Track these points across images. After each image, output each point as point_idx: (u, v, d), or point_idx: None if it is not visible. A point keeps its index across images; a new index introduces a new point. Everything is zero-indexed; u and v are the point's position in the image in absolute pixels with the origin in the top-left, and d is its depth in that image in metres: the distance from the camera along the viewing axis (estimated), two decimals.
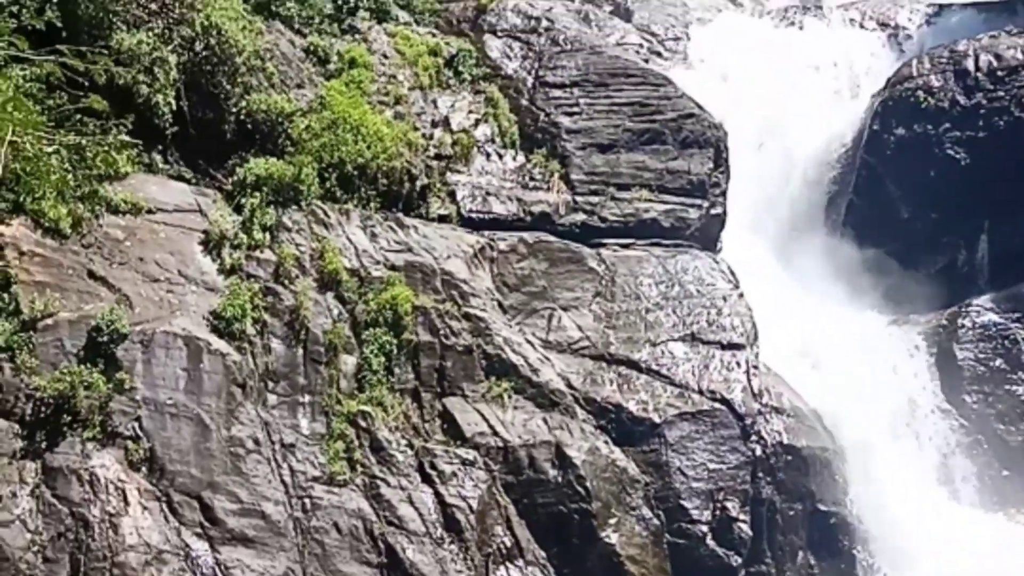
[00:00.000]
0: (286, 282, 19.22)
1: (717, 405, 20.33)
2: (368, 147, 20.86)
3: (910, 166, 24.67)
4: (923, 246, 24.55)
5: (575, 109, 23.38)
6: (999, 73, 24.62)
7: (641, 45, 28.04)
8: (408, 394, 19.47)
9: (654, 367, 20.80)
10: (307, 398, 18.72)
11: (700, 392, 20.53)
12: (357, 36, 23.09)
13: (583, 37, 24.66)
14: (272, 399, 18.43)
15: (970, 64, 24.92)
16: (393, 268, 20.01)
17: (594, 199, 22.69)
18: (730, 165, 24.09)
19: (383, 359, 19.34)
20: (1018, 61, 24.62)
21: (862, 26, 31.06)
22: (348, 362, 19.24)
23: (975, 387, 23.19)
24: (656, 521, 19.47)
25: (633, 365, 20.86)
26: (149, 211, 19.05)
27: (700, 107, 23.99)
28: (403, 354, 19.52)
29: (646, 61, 26.20)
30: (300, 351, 18.89)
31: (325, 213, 20.25)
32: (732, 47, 28.99)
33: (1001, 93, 24.50)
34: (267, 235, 19.53)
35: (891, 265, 24.55)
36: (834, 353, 22.98)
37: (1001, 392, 23.11)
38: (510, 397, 19.77)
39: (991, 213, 24.03)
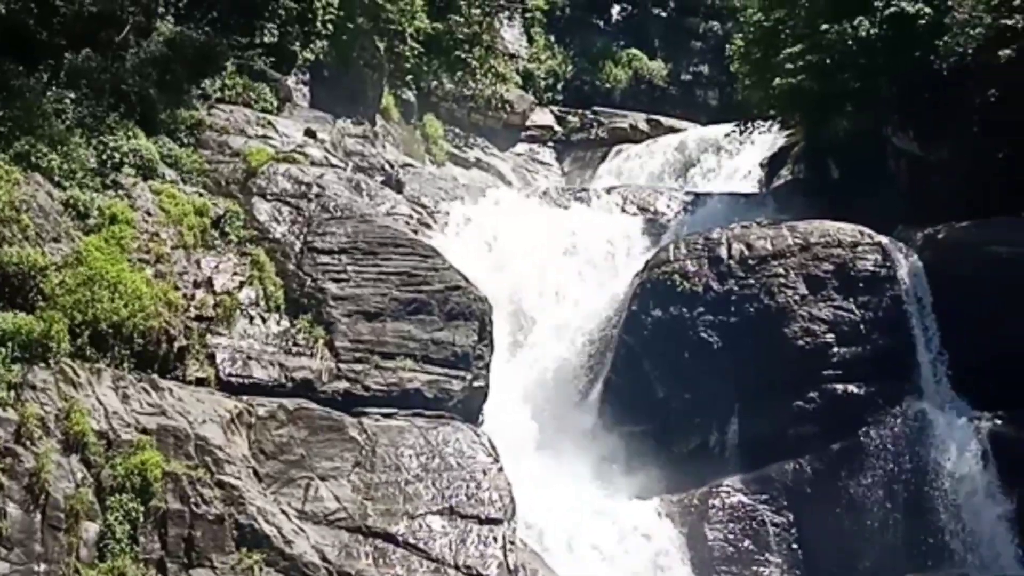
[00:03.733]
0: (27, 443, 18.19)
1: None
2: (125, 305, 20.20)
3: (666, 347, 25.29)
4: (677, 426, 25.04)
5: (343, 276, 23.32)
6: (750, 262, 25.64)
7: (411, 216, 28.36)
8: (153, 565, 18.55)
9: (411, 541, 20.45)
10: (43, 567, 17.61)
11: (456, 567, 20.24)
12: (120, 192, 22.55)
13: (353, 205, 24.76)
14: (4, 567, 17.29)
15: (723, 252, 25.89)
16: (145, 431, 19.25)
17: (358, 367, 22.51)
18: (494, 338, 24.33)
19: (128, 527, 18.44)
20: (767, 251, 25.69)
21: (624, 210, 32.29)
22: (90, 529, 18.25)
23: (724, 567, 23.51)
24: None
25: (390, 538, 20.48)
26: None
27: (467, 280, 24.25)
28: (150, 522, 18.66)
29: (415, 232, 26.47)
30: (38, 516, 17.81)
31: (75, 372, 19.39)
32: (499, 224, 29.65)
33: (752, 281, 25.48)
34: (11, 393, 18.56)
35: (647, 444, 24.91)
36: (580, 530, 23.10)
37: (748, 573, 23.50)
38: (261, 570, 19.04)
39: (742, 396, 24.73)
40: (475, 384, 23.46)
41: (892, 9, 28.49)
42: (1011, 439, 23.80)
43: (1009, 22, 25.67)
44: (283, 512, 19.96)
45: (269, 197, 24.29)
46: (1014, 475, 23.47)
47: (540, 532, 22.58)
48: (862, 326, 25.00)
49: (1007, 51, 25.43)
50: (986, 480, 23.75)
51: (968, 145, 27.17)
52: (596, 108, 47.70)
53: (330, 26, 31.16)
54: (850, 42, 28.88)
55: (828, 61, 29.37)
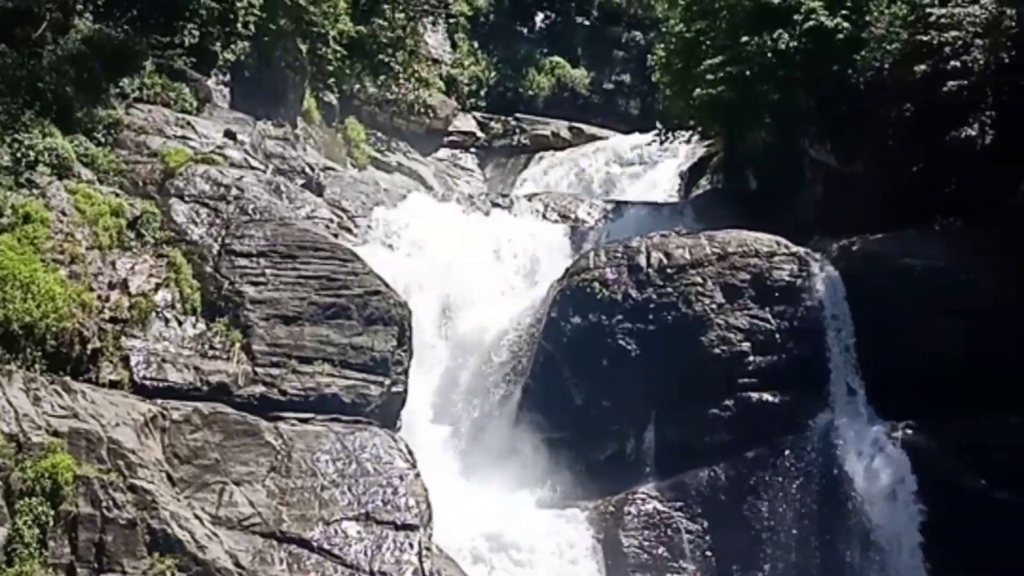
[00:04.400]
0: None
1: None
2: (38, 306, 19.91)
3: (585, 354, 25.37)
4: (595, 433, 25.11)
5: (261, 279, 23.20)
6: (668, 270, 25.80)
7: (331, 220, 28.27)
8: (63, 569, 18.31)
9: (326, 546, 20.37)
10: None
11: (371, 573, 20.19)
12: (35, 191, 22.25)
13: (273, 208, 24.63)
14: None
15: (642, 260, 26.03)
16: (56, 434, 18.98)
17: (275, 371, 22.40)
18: (413, 344, 24.30)
19: (37, 531, 18.18)
20: (686, 260, 25.87)
21: (545, 217, 32.44)
22: None
23: (639, 574, 23.64)
24: None
25: (305, 544, 20.38)
26: None
27: (387, 285, 24.22)
28: (60, 526, 18.41)
29: (335, 236, 26.38)
30: None
31: None
32: (420, 229, 29.62)
33: (670, 289, 25.64)
34: None
35: (564, 451, 24.98)
36: (495, 536, 23.13)
37: None
38: (173, 575, 18.88)
39: (658, 404, 24.87)
40: (393, 390, 23.43)
41: (811, 23, 28.85)
42: (921, 448, 24.15)
43: (924, 38, 26.06)
44: (196, 517, 19.77)
45: (187, 199, 24.08)
46: (924, 484, 23.81)
47: (456, 538, 22.52)
48: (777, 335, 25.25)
49: (922, 67, 25.81)
50: (896, 488, 24.03)
51: (883, 158, 27.55)
52: (519, 115, 47.87)
53: (252, 27, 31.01)
54: (769, 54, 29.21)
55: (748, 73, 29.67)
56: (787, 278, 25.68)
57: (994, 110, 25.19)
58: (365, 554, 20.46)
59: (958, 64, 25.26)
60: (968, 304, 24.71)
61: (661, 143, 38.11)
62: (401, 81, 42.21)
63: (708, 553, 23.91)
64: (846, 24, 28.66)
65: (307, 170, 29.67)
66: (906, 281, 25.20)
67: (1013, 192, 25.44)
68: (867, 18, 28.18)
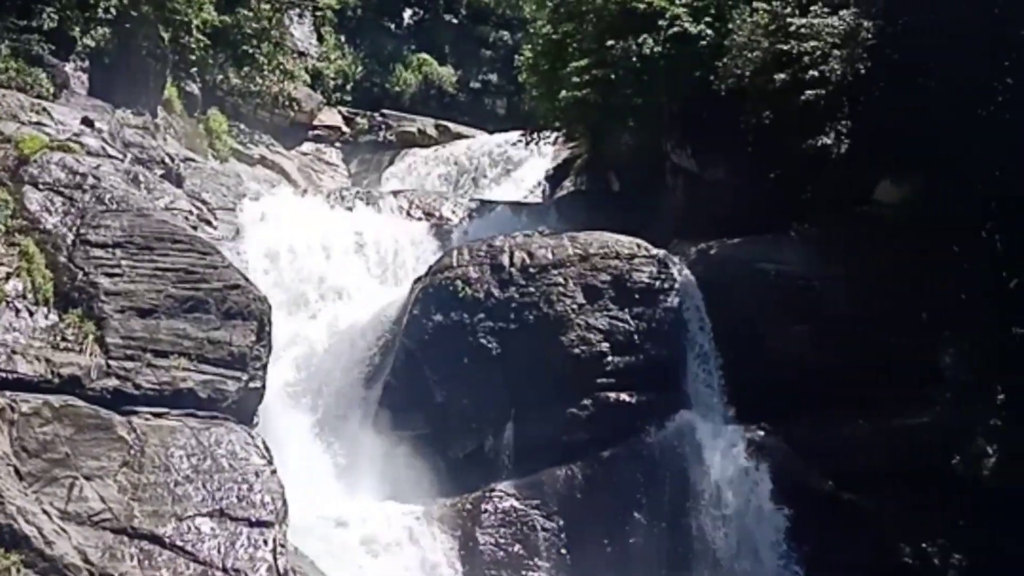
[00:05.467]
0: None
1: None
2: None
3: (446, 352, 25.38)
4: (454, 431, 25.14)
5: (116, 271, 22.66)
6: (531, 270, 25.94)
7: (191, 212, 27.78)
8: None
9: (178, 543, 20.01)
10: None
11: (224, 570, 19.89)
12: None
13: (131, 198, 24.10)
14: None
15: (505, 259, 26.13)
16: None
17: (129, 365, 21.91)
18: (272, 339, 24.04)
19: None
20: (548, 260, 26.04)
21: (409, 214, 32.40)
22: None
23: (494, 571, 23.74)
24: None
25: (157, 540, 19.99)
26: None
27: (247, 279, 23.89)
28: None
29: (195, 228, 25.91)
30: None
31: None
32: (283, 223, 29.33)
33: (532, 289, 25.78)
34: None
35: (424, 448, 24.97)
36: (352, 533, 23.04)
37: None
38: (19, 571, 18.37)
39: (518, 402, 25.00)
40: (251, 385, 23.11)
41: (675, 29, 29.26)
42: (774, 449, 24.70)
43: (785, 47, 26.58)
44: (45, 512, 19.27)
45: (41, 186, 23.43)
46: (777, 484, 24.35)
47: (311, 536, 22.36)
48: (636, 336, 25.56)
49: (782, 75, 26.32)
50: (749, 489, 24.52)
51: (742, 165, 28.07)
52: (385, 111, 47.71)
53: (113, 12, 30.37)
54: (634, 59, 29.55)
55: (612, 76, 29.98)
56: (647, 280, 26.00)
57: (850, 120, 25.84)
58: (218, 551, 20.16)
59: (816, 74, 25.83)
60: (820, 309, 25.39)
61: (527, 143, 38.29)
62: (266, 73, 41.71)
63: (563, 551, 24.10)
64: (709, 31, 29.13)
65: (167, 160, 29.13)
66: (761, 285, 25.76)
67: (866, 201, 26.19)
68: (730, 26, 28.66)
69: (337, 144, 46.04)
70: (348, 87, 48.31)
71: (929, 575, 23.46)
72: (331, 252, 29.16)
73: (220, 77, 41.10)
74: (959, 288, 24.95)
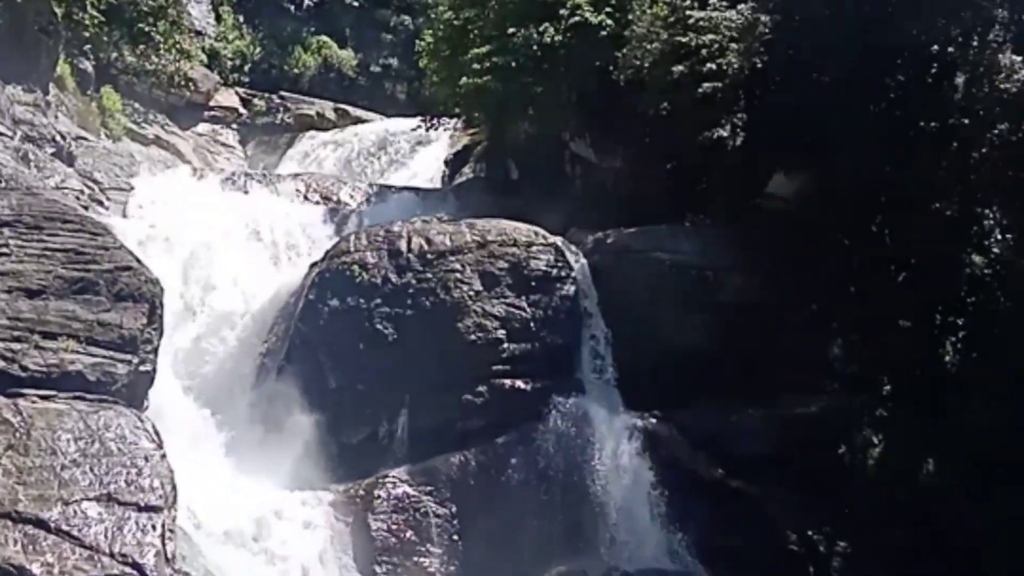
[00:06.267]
0: None
1: (128, 570, 19.36)
2: None
3: (341, 337, 25.24)
4: (349, 417, 24.99)
5: (4, 250, 22.09)
6: (429, 256, 25.91)
7: (82, 191, 27.34)
8: None
9: (64, 528, 19.60)
10: None
11: (111, 555, 19.54)
12: None
13: (20, 176, 23.54)
14: None
15: (403, 245, 26.06)
16: None
17: (16, 346, 21.40)
18: (164, 322, 23.70)
19: None
20: (446, 247, 26.03)
21: (307, 198, 32.15)
22: None
23: (386, 558, 23.66)
24: None
25: (42, 525, 19.56)
26: None
27: (138, 260, 23.49)
28: None
29: (86, 208, 25.49)
30: None
31: None
32: (176, 204, 28.93)
33: (429, 275, 25.75)
34: None
35: (318, 434, 24.80)
36: (243, 519, 22.82)
37: (410, 564, 23.69)
38: None
39: (413, 388, 24.94)
40: (141, 368, 22.75)
41: (576, 19, 29.43)
42: (665, 436, 24.98)
43: (683, 39, 26.85)
44: None
45: None
46: (667, 471, 24.62)
47: (200, 521, 22.12)
48: (532, 324, 25.67)
49: (680, 68, 26.59)
50: (641, 475, 24.75)
51: (640, 155, 28.36)
52: (283, 93, 47.29)
53: None
54: (535, 47, 29.67)
55: (513, 64, 30.07)
56: (544, 268, 26.12)
57: (745, 113, 26.19)
58: (105, 536, 19.79)
59: (713, 67, 26.13)
60: (712, 298, 25.76)
61: (427, 129, 38.25)
62: (162, 52, 41.03)
63: (455, 537, 24.11)
64: (610, 22, 29.34)
65: (58, 139, 28.59)
66: (656, 274, 26.03)
67: (760, 194, 26.57)
68: (630, 17, 28.88)
69: (234, 126, 45.49)
70: (246, 68, 47.75)
71: (814, 562, 23.91)
72: (225, 235, 28.80)
73: (115, 55, 40.35)
74: (848, 281, 25.47)
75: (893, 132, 24.47)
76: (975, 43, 24.17)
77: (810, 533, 24.10)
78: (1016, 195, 23.62)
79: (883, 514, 23.53)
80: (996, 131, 23.69)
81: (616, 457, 24.78)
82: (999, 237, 23.18)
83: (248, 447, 24.57)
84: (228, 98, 45.69)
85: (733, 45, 26.29)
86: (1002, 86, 23.39)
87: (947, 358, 23.36)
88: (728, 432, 24.87)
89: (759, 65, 25.85)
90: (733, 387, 24.85)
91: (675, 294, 25.72)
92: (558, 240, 26.69)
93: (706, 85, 26.03)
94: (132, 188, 29.21)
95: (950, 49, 24.45)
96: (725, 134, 26.00)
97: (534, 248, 26.30)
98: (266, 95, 46.62)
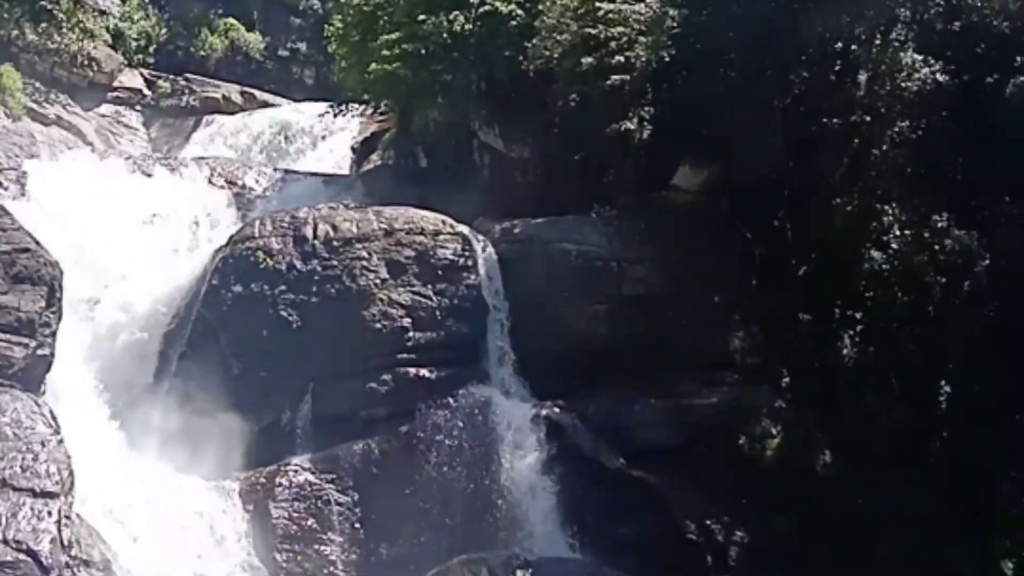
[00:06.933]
0: None
1: (22, 556, 19.15)
2: None
3: (245, 324, 25.07)
4: (251, 404, 24.79)
5: None
6: (335, 243, 25.79)
7: None
8: None
9: None
10: None
11: (4, 542, 19.26)
12: None
13: None
14: None
15: (309, 231, 25.93)
16: None
17: None
18: (63, 306, 23.33)
19: None
20: (352, 234, 25.94)
21: (211, 182, 31.71)
22: None
23: (286, 545, 23.58)
24: None
25: None
26: None
27: (37, 243, 23.15)
28: None
29: None
30: None
31: None
32: (76, 188, 28.43)
33: (335, 262, 25.64)
34: None
35: (220, 421, 24.58)
36: (140, 507, 22.57)
37: (311, 552, 23.65)
38: None
39: (316, 376, 24.84)
40: (39, 352, 22.45)
41: (486, 7, 29.43)
42: (567, 426, 25.11)
43: (593, 31, 26.97)
44: None
45: None
46: (567, 461, 24.76)
47: (98, 508, 21.79)
48: (438, 312, 25.68)
49: (589, 59, 26.71)
50: (543, 465, 24.85)
51: (548, 146, 28.43)
52: (189, 75, 46.51)
53: None
54: (445, 35, 29.61)
55: (423, 52, 29.96)
56: (450, 257, 26.13)
57: (652, 106, 26.36)
58: (0, 522, 19.52)
59: (622, 59, 26.29)
60: (618, 289, 25.98)
61: (335, 115, 37.97)
62: (64, 30, 40.18)
63: (357, 525, 24.06)
64: (520, 11, 29.38)
65: None
66: (562, 265, 26.18)
67: (666, 186, 26.78)
68: (540, 7, 28.93)
69: (138, 107, 44.63)
70: (151, 49, 46.87)
71: (712, 551, 24.18)
72: (126, 219, 28.36)
73: (15, 33, 39.46)
74: (751, 274, 25.79)
75: (796, 127, 24.79)
76: (878, 41, 24.55)
77: (708, 523, 24.36)
78: (915, 192, 24.04)
79: (780, 504, 23.86)
80: (897, 128, 24.12)
81: (519, 446, 24.87)
82: (898, 233, 23.54)
83: (147, 435, 24.27)
84: (132, 79, 44.83)
85: (641, 38, 26.46)
86: (903, 84, 23.82)
87: (845, 351, 23.69)
88: (630, 422, 25.07)
89: (666, 59, 26.02)
90: (636, 378, 25.09)
91: (581, 285, 25.90)
92: (465, 229, 26.69)
93: (614, 77, 26.19)
94: (31, 170, 28.59)
95: (854, 47, 24.84)
96: (632, 127, 26.17)
97: (441, 237, 26.30)
98: (171, 77, 45.83)
